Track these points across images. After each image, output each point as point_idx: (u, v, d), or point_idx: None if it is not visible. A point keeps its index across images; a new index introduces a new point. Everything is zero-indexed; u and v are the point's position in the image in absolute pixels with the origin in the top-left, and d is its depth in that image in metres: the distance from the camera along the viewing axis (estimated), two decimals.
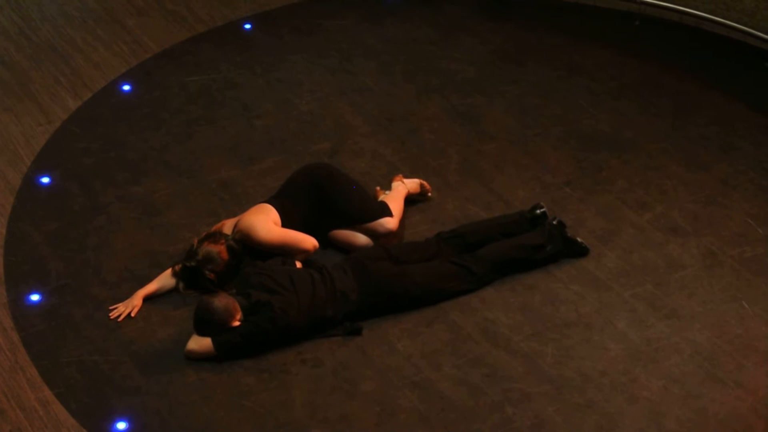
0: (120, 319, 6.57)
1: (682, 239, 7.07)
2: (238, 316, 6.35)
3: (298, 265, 6.73)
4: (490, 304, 6.67)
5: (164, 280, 6.73)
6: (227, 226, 6.87)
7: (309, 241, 6.81)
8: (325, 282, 6.50)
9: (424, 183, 7.38)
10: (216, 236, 6.70)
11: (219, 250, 6.63)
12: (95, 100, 8.32)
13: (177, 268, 6.68)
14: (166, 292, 6.73)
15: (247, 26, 9.12)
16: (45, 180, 7.58)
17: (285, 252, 6.77)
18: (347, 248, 6.95)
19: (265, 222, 6.78)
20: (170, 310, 6.64)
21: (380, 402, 6.14)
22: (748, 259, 6.93)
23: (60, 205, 7.40)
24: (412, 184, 7.33)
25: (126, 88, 8.43)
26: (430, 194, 7.40)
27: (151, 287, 6.70)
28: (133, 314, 6.60)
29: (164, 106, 8.26)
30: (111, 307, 6.65)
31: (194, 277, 6.64)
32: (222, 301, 6.32)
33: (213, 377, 6.27)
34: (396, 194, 7.19)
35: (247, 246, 6.74)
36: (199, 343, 6.33)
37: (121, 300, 6.68)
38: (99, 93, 8.39)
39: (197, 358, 6.34)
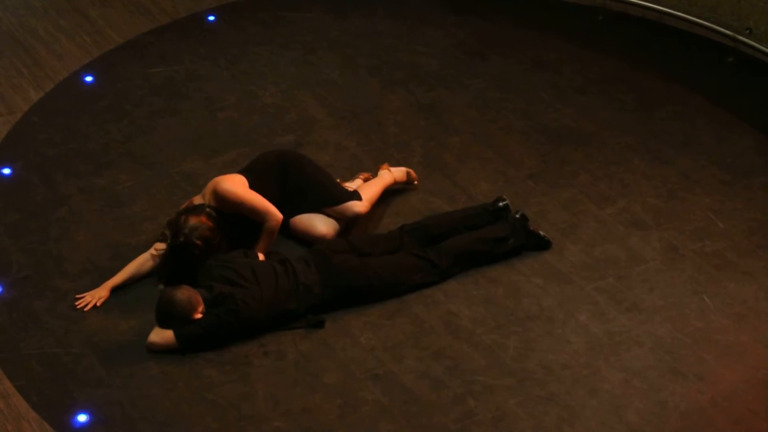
0: (86, 309, 6.54)
1: (644, 233, 7.10)
2: (201, 308, 6.33)
3: (261, 257, 6.72)
4: (453, 297, 6.68)
5: (131, 271, 6.69)
6: (195, 202, 6.82)
7: (277, 213, 6.74)
8: (288, 275, 6.49)
9: (411, 171, 7.37)
10: (192, 209, 6.64)
11: (200, 219, 6.58)
12: (57, 92, 8.27)
13: (157, 249, 6.62)
14: (130, 283, 6.70)
15: (211, 18, 9.08)
16: (6, 171, 7.53)
17: (253, 216, 6.70)
18: (306, 238, 6.92)
19: (234, 179, 6.75)
20: (132, 302, 6.61)
21: (343, 394, 6.14)
22: (709, 253, 6.97)
23: (21, 196, 7.36)
24: (398, 172, 7.33)
25: (88, 79, 8.39)
26: (416, 182, 7.40)
27: (119, 278, 6.67)
28: (98, 304, 6.58)
29: (127, 97, 8.22)
30: (77, 296, 6.62)
31: (183, 254, 6.55)
32: (184, 293, 6.31)
33: (175, 370, 6.26)
34: (378, 180, 7.19)
35: (222, 215, 6.68)
36: (161, 335, 6.31)
37: (83, 292, 6.65)
38: (61, 84, 8.34)
39: (159, 351, 6.32)
